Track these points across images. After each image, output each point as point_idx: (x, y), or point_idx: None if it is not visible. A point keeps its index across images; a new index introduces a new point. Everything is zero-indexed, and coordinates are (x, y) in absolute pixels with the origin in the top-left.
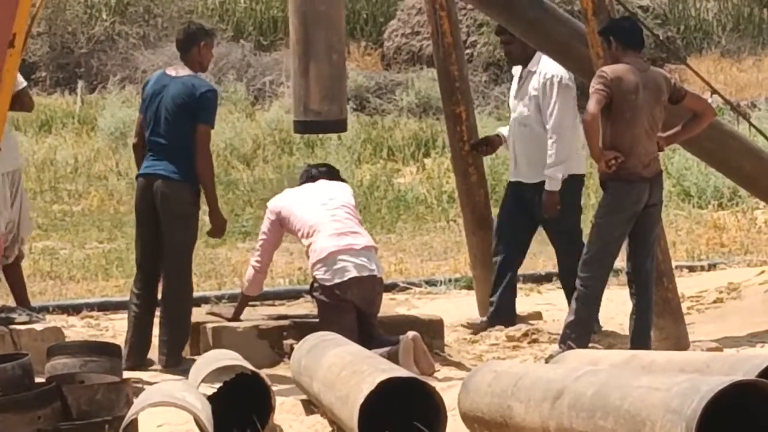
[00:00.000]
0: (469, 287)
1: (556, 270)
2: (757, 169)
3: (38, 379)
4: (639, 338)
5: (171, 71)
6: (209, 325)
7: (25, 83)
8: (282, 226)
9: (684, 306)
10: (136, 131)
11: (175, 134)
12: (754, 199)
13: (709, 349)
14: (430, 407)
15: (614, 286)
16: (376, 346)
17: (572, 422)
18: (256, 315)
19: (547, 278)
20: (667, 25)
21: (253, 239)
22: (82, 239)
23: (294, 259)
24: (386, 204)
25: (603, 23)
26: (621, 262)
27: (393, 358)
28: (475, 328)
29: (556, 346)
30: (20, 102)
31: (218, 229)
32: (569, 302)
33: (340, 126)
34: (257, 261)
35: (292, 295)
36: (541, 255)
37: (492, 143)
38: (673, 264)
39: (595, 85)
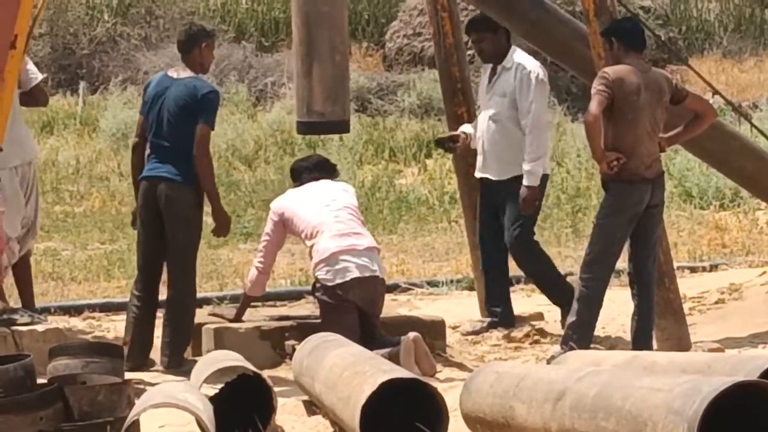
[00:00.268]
0: (470, 288)
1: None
2: (759, 170)
3: (40, 380)
4: (641, 339)
5: (173, 73)
6: (211, 326)
7: (41, 77)
8: (285, 227)
9: (686, 307)
10: (137, 132)
11: (178, 136)
12: (755, 200)
13: (711, 350)
14: (432, 408)
15: (616, 287)
16: (377, 347)
17: (574, 423)
18: (257, 316)
19: None
20: (669, 26)
21: (255, 240)
22: (83, 240)
23: (296, 260)
24: (388, 205)
25: (604, 24)
26: (623, 262)
27: (394, 358)
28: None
29: (557, 347)
30: (35, 98)
31: (222, 226)
32: (488, 289)
33: (343, 127)
34: (260, 262)
35: (294, 296)
36: None
37: (457, 140)
38: (675, 265)
39: (596, 86)
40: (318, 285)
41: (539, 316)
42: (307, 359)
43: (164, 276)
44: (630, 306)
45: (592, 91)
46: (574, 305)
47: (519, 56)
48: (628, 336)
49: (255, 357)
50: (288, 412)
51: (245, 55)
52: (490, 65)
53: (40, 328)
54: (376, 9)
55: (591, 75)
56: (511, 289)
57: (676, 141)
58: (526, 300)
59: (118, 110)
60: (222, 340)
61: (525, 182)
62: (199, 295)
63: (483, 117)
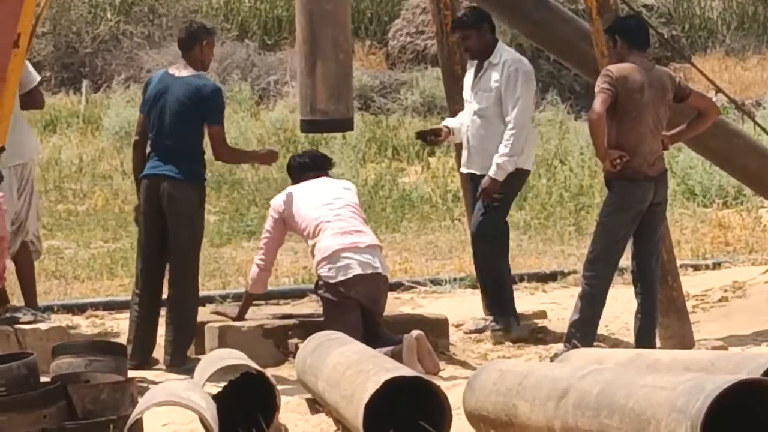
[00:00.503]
0: (474, 286)
1: (561, 269)
2: (762, 168)
3: (43, 379)
4: (644, 337)
5: (174, 71)
6: (214, 325)
7: (38, 79)
8: (285, 224)
9: (689, 305)
10: (138, 131)
11: (180, 134)
12: (759, 198)
13: (714, 348)
14: (435, 406)
15: (619, 285)
16: (380, 345)
17: (577, 421)
18: (260, 314)
19: (552, 277)
20: (672, 24)
21: (258, 238)
22: (86, 239)
23: (299, 258)
24: (391, 203)
25: (608, 22)
26: (626, 260)
27: (396, 357)
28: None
29: (561, 345)
30: (33, 99)
31: (270, 159)
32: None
33: (346, 125)
34: (261, 259)
35: (297, 294)
36: (546, 254)
37: (439, 134)
38: (678, 263)
39: (600, 83)
40: (320, 283)
41: (542, 314)
42: (310, 357)
43: (166, 275)
44: (633, 304)
45: (596, 89)
46: (578, 303)
47: (505, 52)
48: (631, 334)
49: (258, 355)
50: (291, 410)
51: (248, 53)
52: (476, 61)
53: (43, 326)
54: (379, 7)
55: (594, 73)
56: (514, 287)
57: (679, 139)
58: (529, 298)
59: (121, 108)
60: (225, 338)
61: (491, 172)
62: (202, 293)
63: (468, 112)
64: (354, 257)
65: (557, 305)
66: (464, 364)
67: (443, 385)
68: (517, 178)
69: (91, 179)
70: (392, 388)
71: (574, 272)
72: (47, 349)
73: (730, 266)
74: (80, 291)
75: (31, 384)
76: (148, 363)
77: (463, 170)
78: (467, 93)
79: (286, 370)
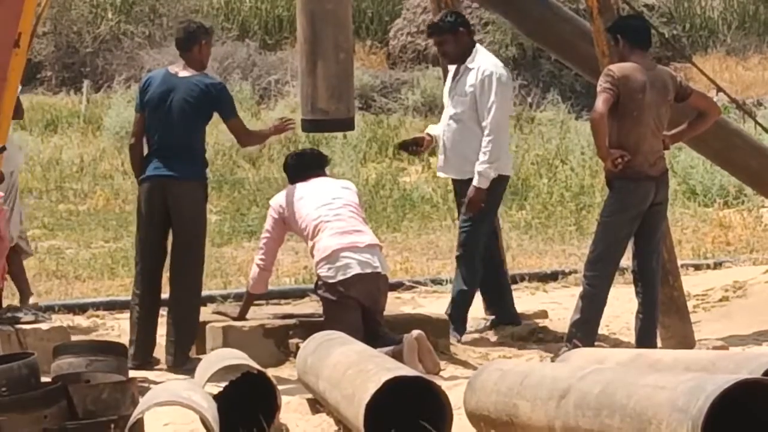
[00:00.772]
0: None
1: (562, 269)
2: (763, 167)
3: (44, 379)
4: (645, 337)
5: (176, 70)
6: (215, 325)
7: (19, 88)
8: (285, 223)
9: (690, 304)
10: (135, 131)
11: (187, 134)
12: (759, 198)
13: (715, 348)
14: (436, 406)
15: (620, 285)
16: (381, 344)
17: (578, 421)
18: (261, 314)
19: (552, 277)
20: (673, 24)
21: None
22: (87, 239)
23: (300, 258)
24: (392, 203)
25: (608, 22)
26: (627, 260)
27: (397, 356)
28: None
29: (562, 345)
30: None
31: (282, 128)
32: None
33: (347, 125)
34: (261, 259)
35: (298, 294)
36: (547, 254)
37: (421, 143)
38: (679, 262)
39: (602, 83)
40: (320, 283)
41: (543, 314)
42: (311, 357)
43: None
44: (634, 304)
45: (598, 88)
46: (579, 303)
47: (482, 56)
48: (632, 334)
49: (259, 355)
50: (292, 410)
51: (249, 53)
52: (455, 66)
53: (44, 326)
54: (380, 7)
55: (594, 73)
56: (515, 287)
57: (680, 138)
58: (530, 298)
59: (122, 108)
60: (226, 338)
61: (474, 182)
62: (204, 293)
63: (445, 116)
64: (353, 257)
65: (558, 305)
66: (465, 364)
67: (444, 385)
68: (499, 185)
69: (92, 179)
70: (393, 388)
71: (575, 272)
72: (48, 349)
73: (731, 266)
74: (81, 291)
75: (32, 384)
76: (149, 363)
77: (440, 174)
78: (445, 98)
79: (286, 370)
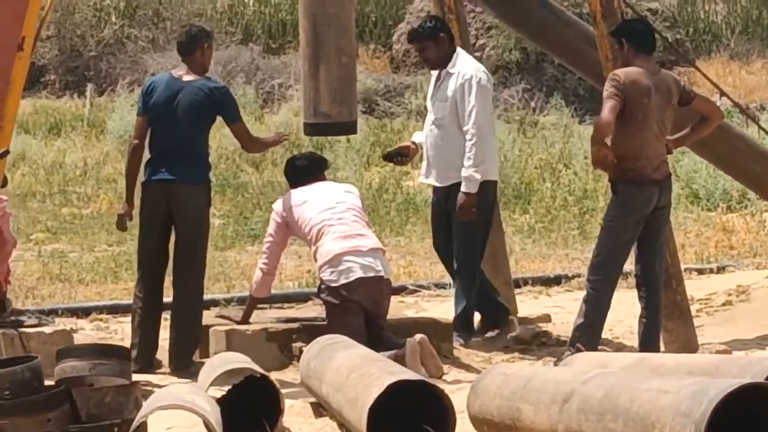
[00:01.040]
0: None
1: (565, 273)
2: (766, 172)
3: (47, 382)
4: (648, 341)
5: (180, 74)
6: (218, 328)
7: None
8: (288, 227)
9: (693, 308)
10: (138, 134)
11: (193, 138)
12: (763, 202)
13: (718, 352)
14: (440, 410)
15: (623, 289)
16: (384, 348)
17: (581, 425)
18: (265, 318)
19: (556, 281)
20: (676, 28)
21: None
22: (91, 242)
23: (303, 262)
24: (395, 207)
25: (612, 26)
26: (630, 264)
27: (400, 360)
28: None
29: (565, 349)
30: None
31: (278, 141)
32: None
33: (350, 128)
34: (264, 263)
35: (301, 298)
36: (550, 258)
37: (407, 152)
38: (682, 266)
39: (608, 88)
40: (323, 287)
41: (546, 318)
42: (314, 361)
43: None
44: (637, 308)
45: (605, 94)
46: (582, 307)
47: (462, 61)
48: (635, 338)
49: (262, 359)
50: (295, 414)
51: (252, 57)
52: (437, 71)
53: (47, 329)
54: (383, 11)
55: (598, 77)
56: (518, 291)
57: (684, 143)
58: (534, 301)
59: (126, 112)
60: (229, 342)
61: (463, 188)
62: (207, 296)
63: (427, 122)
64: (356, 260)
65: (561, 309)
66: (468, 368)
67: (447, 389)
68: (486, 191)
69: (96, 183)
70: (396, 392)
71: (579, 276)
72: (51, 353)
73: (734, 270)
74: (85, 294)
75: (36, 387)
76: (152, 366)
77: (422, 180)
78: (428, 103)
79: (290, 374)
